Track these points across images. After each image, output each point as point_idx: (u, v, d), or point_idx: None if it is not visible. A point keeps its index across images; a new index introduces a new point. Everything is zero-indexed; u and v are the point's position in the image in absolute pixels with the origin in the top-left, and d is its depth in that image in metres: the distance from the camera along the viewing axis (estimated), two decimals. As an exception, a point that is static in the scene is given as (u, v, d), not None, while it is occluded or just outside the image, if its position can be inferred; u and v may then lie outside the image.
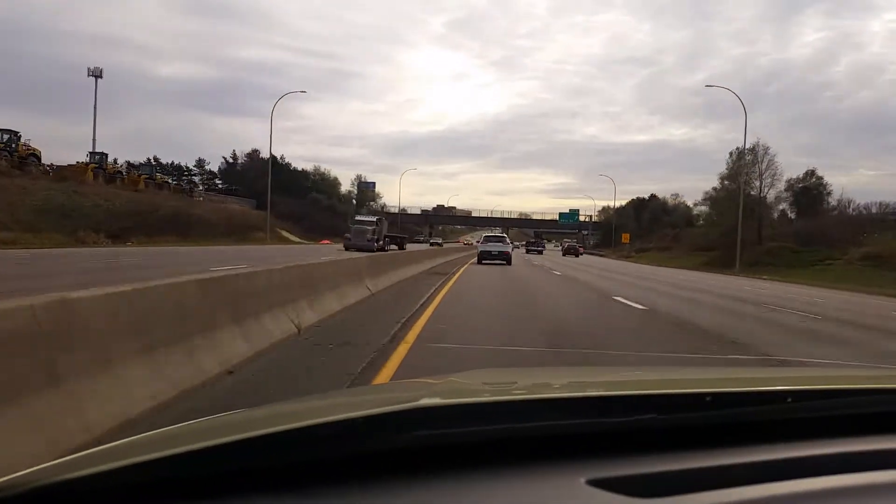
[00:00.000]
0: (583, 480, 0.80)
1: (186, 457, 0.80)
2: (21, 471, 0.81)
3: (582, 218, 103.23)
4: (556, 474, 0.83)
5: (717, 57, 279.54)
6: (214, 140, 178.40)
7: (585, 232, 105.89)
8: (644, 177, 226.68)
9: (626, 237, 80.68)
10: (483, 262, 28.09)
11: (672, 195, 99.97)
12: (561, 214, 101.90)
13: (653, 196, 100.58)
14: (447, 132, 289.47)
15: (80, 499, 0.76)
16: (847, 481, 0.85)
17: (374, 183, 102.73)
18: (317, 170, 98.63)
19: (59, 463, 0.84)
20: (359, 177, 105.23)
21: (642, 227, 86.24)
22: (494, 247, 29.05)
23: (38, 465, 0.82)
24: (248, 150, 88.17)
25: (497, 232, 36.20)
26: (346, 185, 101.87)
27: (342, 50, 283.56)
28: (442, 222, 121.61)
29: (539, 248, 66.96)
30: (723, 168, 62.92)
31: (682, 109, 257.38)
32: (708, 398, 1.02)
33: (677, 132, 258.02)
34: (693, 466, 0.86)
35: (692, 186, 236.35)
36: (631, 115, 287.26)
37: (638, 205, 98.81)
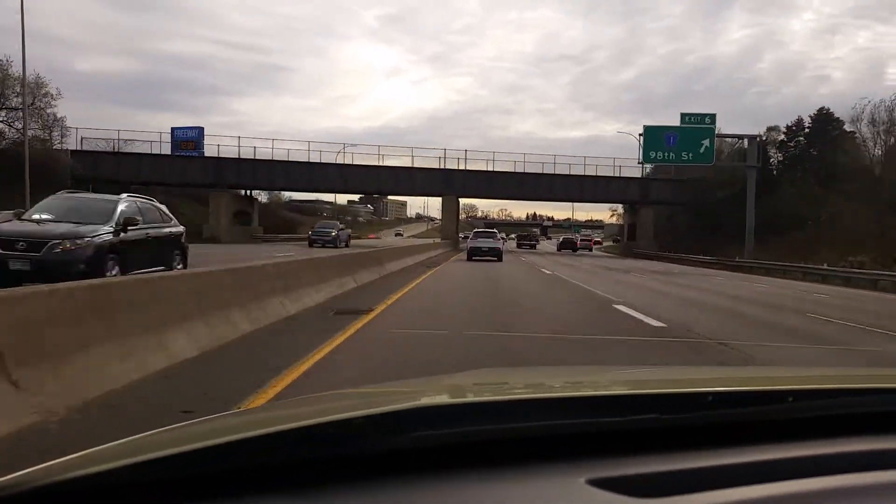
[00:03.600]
0: (583, 480, 0.80)
1: (186, 456, 0.80)
2: (23, 469, 0.80)
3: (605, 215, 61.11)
4: (556, 474, 0.83)
5: (648, 54, 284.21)
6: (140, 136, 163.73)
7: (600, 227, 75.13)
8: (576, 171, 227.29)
9: None
10: (473, 258, 27.97)
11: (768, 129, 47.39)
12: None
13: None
14: (385, 128, 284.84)
15: (81, 498, 0.76)
16: (847, 481, 0.85)
17: (201, 129, 47.22)
18: None
19: (59, 462, 0.84)
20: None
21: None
22: (484, 242, 28.93)
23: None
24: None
25: (488, 228, 36.11)
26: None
27: (273, 43, 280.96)
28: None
29: (532, 243, 61.49)
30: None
31: (615, 106, 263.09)
32: (709, 398, 1.02)
33: (609, 128, 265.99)
34: (693, 466, 0.86)
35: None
36: (565, 111, 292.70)
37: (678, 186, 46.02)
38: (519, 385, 1.44)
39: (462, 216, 72.22)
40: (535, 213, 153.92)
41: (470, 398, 1.14)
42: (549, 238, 73.45)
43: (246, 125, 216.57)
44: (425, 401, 0.98)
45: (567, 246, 58.51)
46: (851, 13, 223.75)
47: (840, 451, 0.93)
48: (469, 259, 27.88)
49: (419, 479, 0.81)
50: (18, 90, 33.83)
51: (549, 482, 0.81)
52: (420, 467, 0.82)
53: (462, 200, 55.41)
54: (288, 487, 0.79)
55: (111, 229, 9.16)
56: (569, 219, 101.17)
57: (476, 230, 32.31)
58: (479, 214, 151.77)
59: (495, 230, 32.97)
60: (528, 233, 68.08)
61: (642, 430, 0.93)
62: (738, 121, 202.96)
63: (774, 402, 1.05)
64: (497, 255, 28.20)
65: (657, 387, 1.30)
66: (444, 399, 1.11)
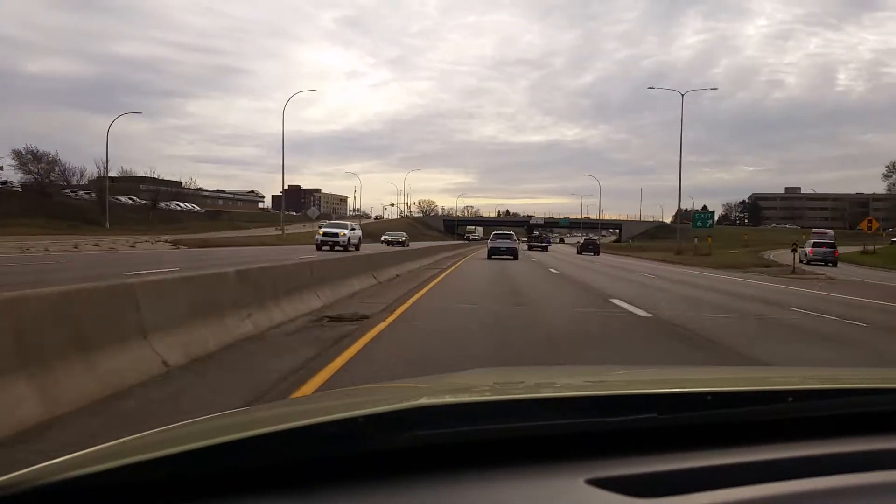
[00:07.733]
0: (582, 480, 0.80)
1: (186, 456, 0.80)
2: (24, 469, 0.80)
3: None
4: (555, 474, 0.83)
5: (605, 59, 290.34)
6: (94, 139, 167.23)
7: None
8: (538, 176, 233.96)
9: None
10: (492, 257, 31.75)
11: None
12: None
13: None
14: (345, 132, 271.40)
15: (81, 498, 0.76)
16: (847, 481, 0.85)
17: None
18: None
19: (59, 462, 0.83)
20: None
21: None
22: (503, 243, 33.03)
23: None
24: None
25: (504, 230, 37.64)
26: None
27: (227, 45, 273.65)
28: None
29: (544, 244, 56.88)
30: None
31: (574, 110, 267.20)
32: (709, 397, 1.02)
33: (570, 132, 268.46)
34: (693, 466, 0.86)
35: (587, 185, 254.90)
36: (525, 115, 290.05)
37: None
38: (519, 385, 1.44)
39: (415, 212, 64.83)
40: (507, 210, 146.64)
41: (470, 398, 1.15)
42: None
43: (201, 128, 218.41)
44: (426, 400, 0.99)
45: (589, 248, 51.73)
46: (802, 20, 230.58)
47: (840, 451, 0.93)
48: (489, 258, 31.45)
49: (420, 479, 0.81)
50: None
51: (549, 482, 0.81)
52: (421, 467, 0.82)
53: (418, 193, 55.65)
54: (289, 486, 0.79)
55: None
56: (550, 217, 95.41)
57: (495, 233, 35.98)
58: (440, 212, 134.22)
59: (512, 233, 36.00)
60: (539, 233, 62.81)
61: (642, 429, 0.93)
62: (693, 125, 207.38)
63: (774, 402, 1.05)
64: (514, 254, 32.05)
65: (656, 386, 1.31)
66: (444, 399, 1.11)
